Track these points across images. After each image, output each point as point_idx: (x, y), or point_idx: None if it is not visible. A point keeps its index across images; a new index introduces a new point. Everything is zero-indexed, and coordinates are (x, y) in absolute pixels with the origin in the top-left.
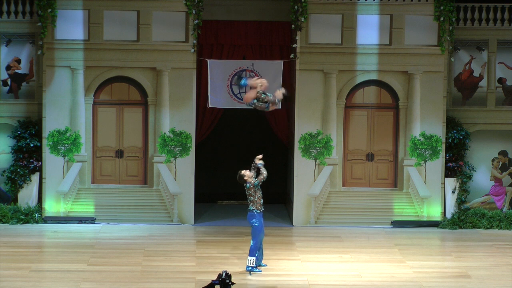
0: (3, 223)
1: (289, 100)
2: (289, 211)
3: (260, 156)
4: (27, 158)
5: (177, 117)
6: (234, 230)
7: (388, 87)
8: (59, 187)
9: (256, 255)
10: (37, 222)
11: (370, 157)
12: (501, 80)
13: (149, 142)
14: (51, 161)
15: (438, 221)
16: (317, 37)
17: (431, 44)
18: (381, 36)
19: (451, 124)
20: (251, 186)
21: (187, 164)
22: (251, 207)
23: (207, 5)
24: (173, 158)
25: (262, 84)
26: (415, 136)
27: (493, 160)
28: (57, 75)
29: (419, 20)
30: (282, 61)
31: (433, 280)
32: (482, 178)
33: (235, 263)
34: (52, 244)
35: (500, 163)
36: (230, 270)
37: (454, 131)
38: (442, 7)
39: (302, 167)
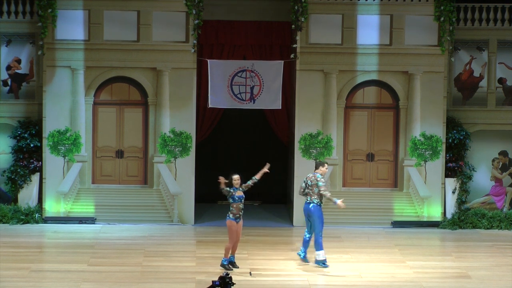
0: (3, 223)
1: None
2: (289, 211)
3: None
4: (27, 158)
5: (177, 117)
6: None
7: (388, 87)
8: (59, 187)
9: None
10: (37, 222)
11: (370, 157)
12: (501, 80)
13: (149, 142)
14: (51, 161)
15: (438, 221)
16: (317, 37)
17: (431, 44)
18: (381, 36)
19: (451, 124)
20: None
21: (187, 164)
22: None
23: (207, 5)
24: (173, 158)
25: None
26: (415, 136)
27: (493, 160)
28: (57, 75)
29: (419, 20)
30: (282, 61)
31: (433, 280)
32: (482, 178)
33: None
34: (52, 244)
35: (500, 163)
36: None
37: (454, 131)
38: (442, 7)
39: (302, 167)
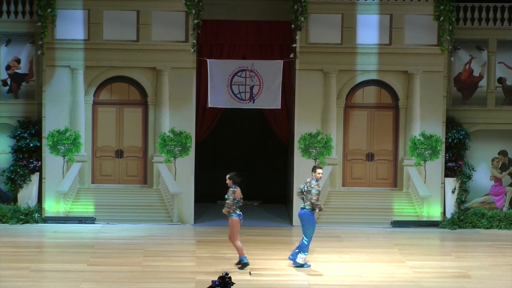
0: (3, 223)
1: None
2: (289, 211)
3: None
4: (27, 158)
5: (177, 117)
6: None
7: (388, 87)
8: (59, 187)
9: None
10: (37, 222)
11: (370, 157)
12: (501, 80)
13: (149, 142)
14: (51, 161)
15: (438, 221)
16: (317, 37)
17: (431, 43)
18: (381, 36)
19: (451, 124)
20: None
21: (187, 164)
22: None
23: (207, 5)
24: (173, 158)
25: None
26: (415, 136)
27: (493, 160)
28: (57, 75)
29: (419, 20)
30: (282, 61)
31: (433, 280)
32: (482, 178)
33: (235, 263)
34: (52, 244)
35: (500, 163)
36: (230, 270)
37: (454, 131)
38: (442, 7)
39: (302, 167)
